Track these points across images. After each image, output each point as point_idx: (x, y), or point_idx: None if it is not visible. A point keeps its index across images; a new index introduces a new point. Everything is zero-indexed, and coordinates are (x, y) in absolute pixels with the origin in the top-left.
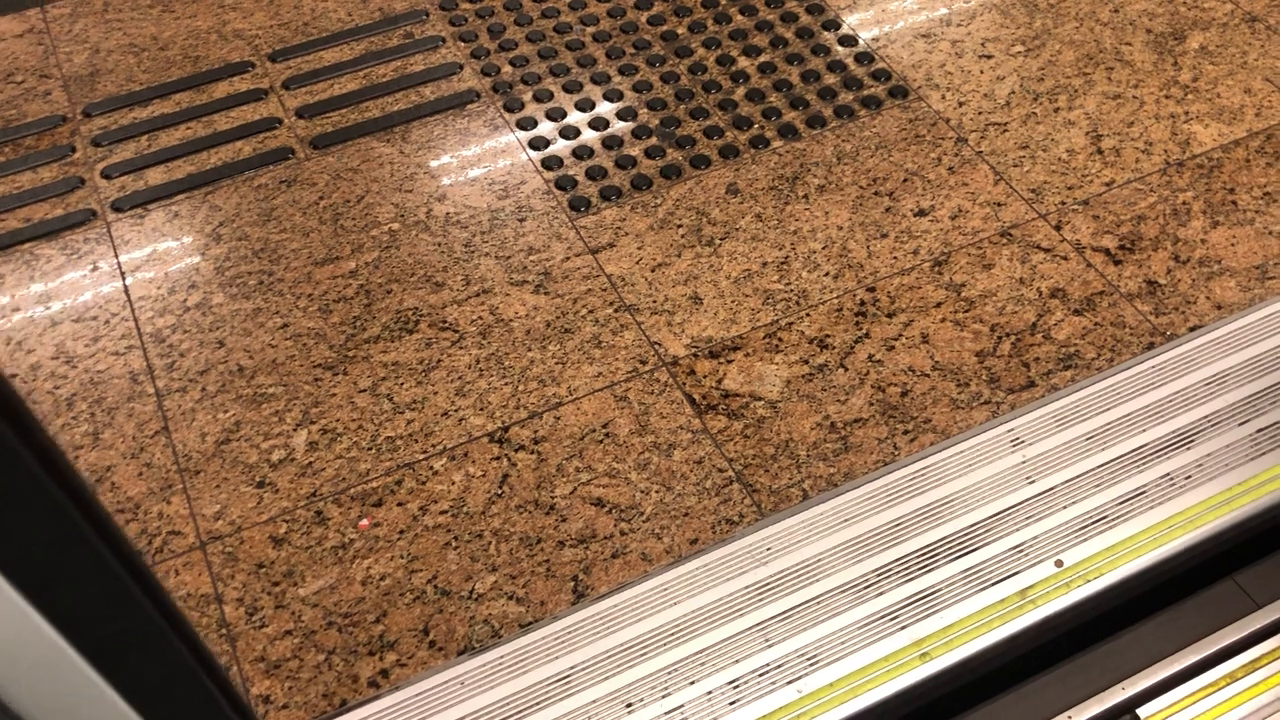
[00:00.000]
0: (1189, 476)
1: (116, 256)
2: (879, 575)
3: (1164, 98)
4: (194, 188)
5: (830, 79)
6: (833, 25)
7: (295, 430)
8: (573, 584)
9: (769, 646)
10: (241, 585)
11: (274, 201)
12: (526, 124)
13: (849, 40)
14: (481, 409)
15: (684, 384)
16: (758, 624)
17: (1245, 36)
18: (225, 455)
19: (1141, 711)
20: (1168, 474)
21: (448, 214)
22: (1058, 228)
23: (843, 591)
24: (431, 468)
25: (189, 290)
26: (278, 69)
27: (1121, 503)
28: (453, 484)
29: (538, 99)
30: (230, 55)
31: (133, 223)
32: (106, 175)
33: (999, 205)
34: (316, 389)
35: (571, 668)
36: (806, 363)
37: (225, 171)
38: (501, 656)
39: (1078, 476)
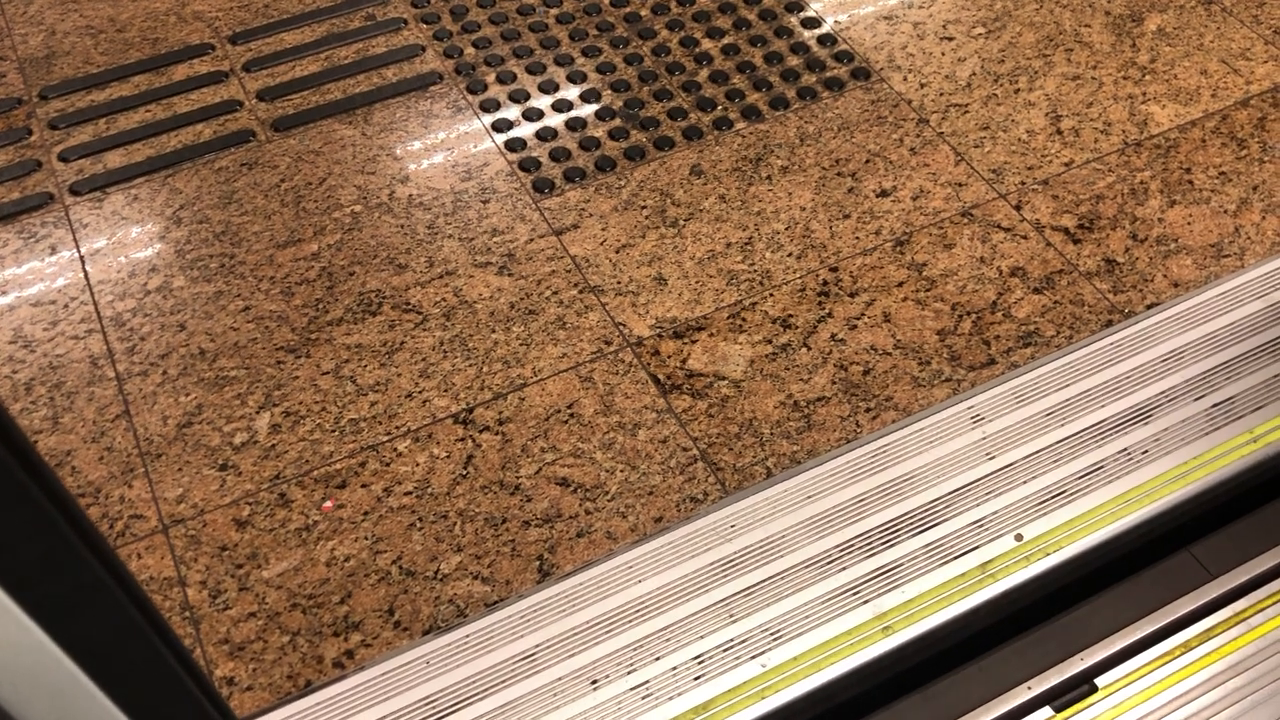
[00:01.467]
0: (1146, 451)
1: (75, 240)
2: (842, 551)
3: (1122, 79)
4: (154, 171)
5: (793, 61)
6: (796, 7)
7: (258, 413)
8: (538, 563)
9: (733, 622)
10: (204, 568)
11: (235, 184)
12: (490, 106)
13: (812, 22)
14: (445, 390)
15: (648, 364)
16: (722, 600)
17: (1202, 19)
18: (187, 439)
19: (1099, 681)
20: (1125, 449)
21: (410, 196)
22: (1018, 207)
23: (806, 567)
24: (395, 449)
25: (149, 274)
26: (238, 51)
27: (1080, 477)
28: (417, 465)
29: (501, 81)
30: (190, 37)
31: (91, 206)
32: (64, 158)
33: (960, 185)
34: (279, 372)
35: (536, 646)
36: (770, 342)
37: (185, 154)
38: (467, 636)
39: (1037, 452)
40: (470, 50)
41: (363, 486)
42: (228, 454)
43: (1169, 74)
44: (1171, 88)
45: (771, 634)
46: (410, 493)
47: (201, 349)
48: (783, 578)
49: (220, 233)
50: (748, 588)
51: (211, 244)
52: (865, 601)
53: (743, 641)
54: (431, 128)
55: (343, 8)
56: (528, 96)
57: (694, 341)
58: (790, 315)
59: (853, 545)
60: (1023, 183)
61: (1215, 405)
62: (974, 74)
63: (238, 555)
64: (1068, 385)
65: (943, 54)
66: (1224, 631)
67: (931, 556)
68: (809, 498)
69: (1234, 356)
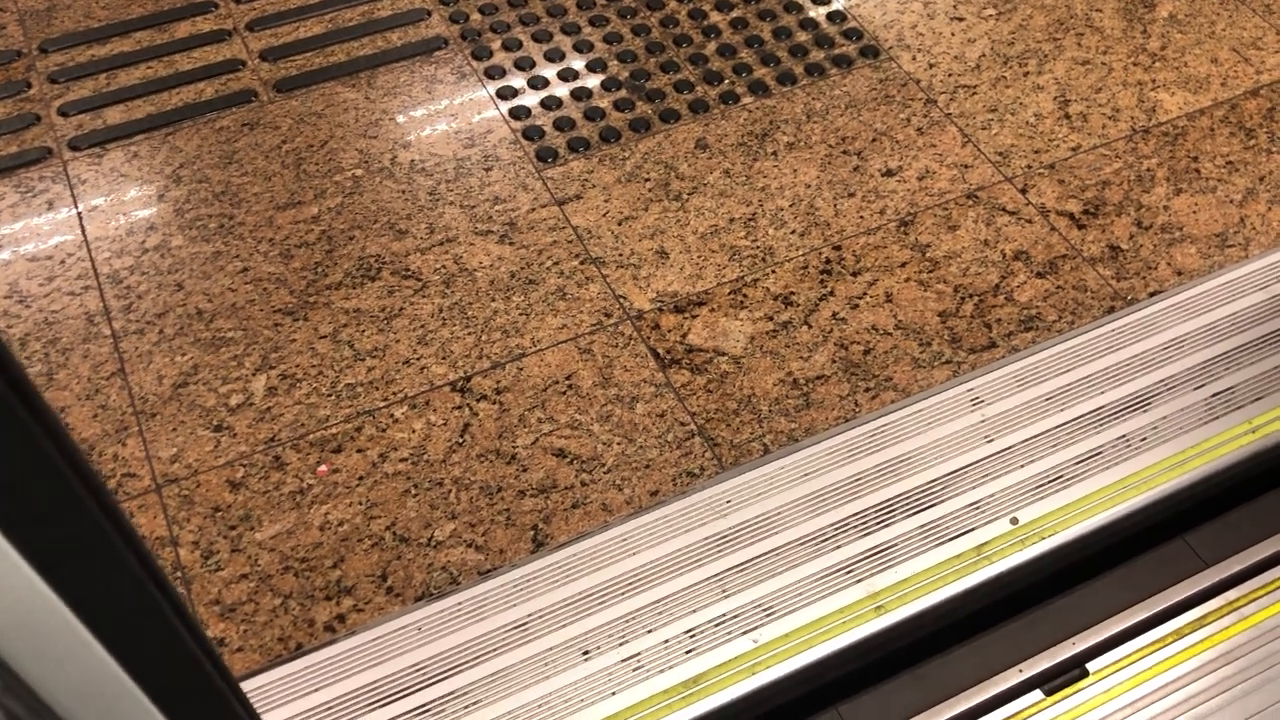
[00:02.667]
0: (1144, 439)
1: (73, 195)
2: (836, 529)
3: (1132, 65)
4: (154, 128)
5: (802, 36)
6: None
7: (254, 375)
8: (532, 533)
9: (726, 597)
10: (197, 529)
11: (236, 144)
12: (494, 73)
13: None
14: (444, 358)
15: (648, 338)
16: (715, 575)
17: (1214, 6)
18: (182, 399)
19: (1091, 665)
20: (1124, 435)
21: (412, 161)
22: (1023, 191)
23: (800, 544)
24: (392, 415)
25: (148, 232)
26: (242, 10)
27: (1078, 462)
28: (413, 432)
29: (507, 48)
30: None
31: (90, 162)
32: (63, 113)
33: (966, 167)
34: (276, 334)
35: (529, 615)
36: (771, 319)
37: (186, 113)
38: (459, 603)
39: (1036, 436)
40: (476, 16)
41: (358, 452)
42: (223, 415)
43: (1179, 61)
44: (1181, 75)
45: (764, 610)
46: (406, 459)
47: (199, 309)
48: (777, 554)
49: (220, 193)
50: (741, 563)
51: (211, 204)
52: (858, 580)
53: (735, 617)
54: (435, 93)
55: None
56: (533, 64)
57: (695, 316)
58: (792, 293)
59: (847, 524)
60: (1029, 166)
61: (1215, 395)
62: (983, 55)
63: (231, 517)
64: (1068, 370)
65: (952, 34)
66: (1216, 620)
67: (927, 537)
68: (805, 475)
69: (1235, 347)
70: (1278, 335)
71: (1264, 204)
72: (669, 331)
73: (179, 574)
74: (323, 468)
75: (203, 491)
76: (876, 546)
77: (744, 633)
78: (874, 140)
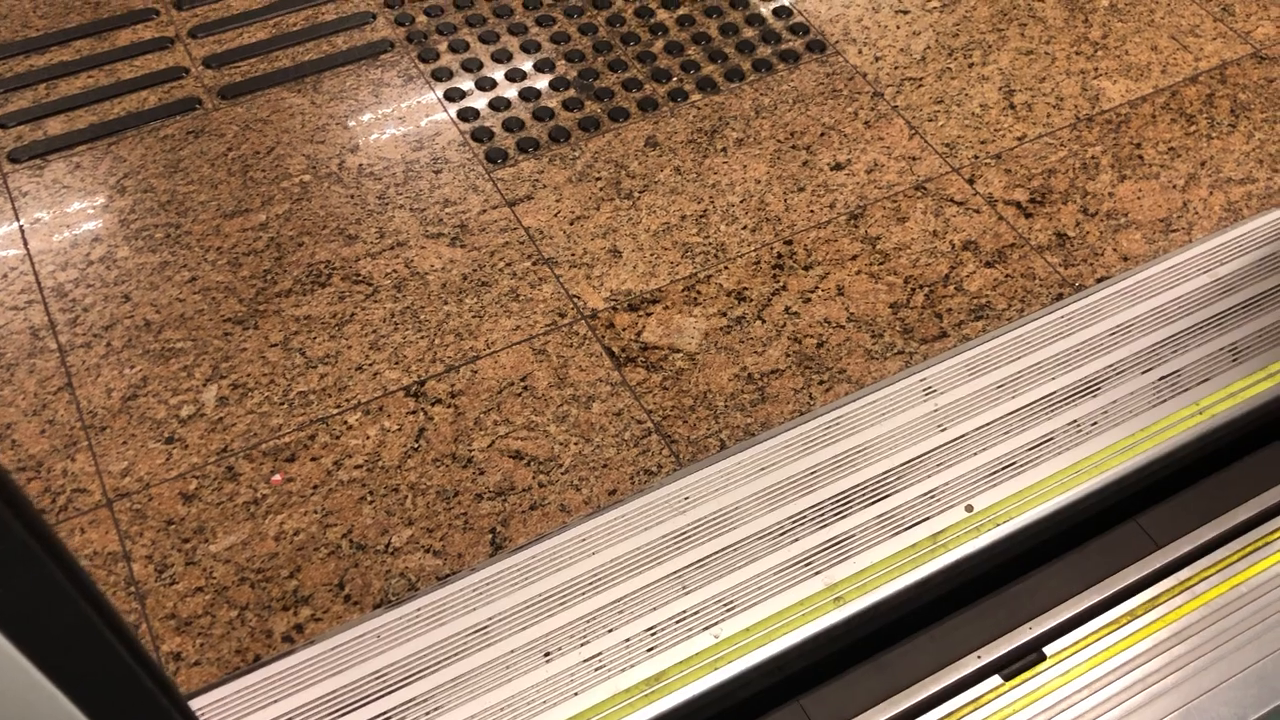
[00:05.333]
0: (1095, 423)
1: (14, 209)
2: (794, 522)
3: (1075, 54)
4: (96, 138)
5: (749, 32)
6: None
7: (205, 385)
8: (490, 536)
9: (686, 593)
10: (150, 542)
11: (181, 153)
12: (442, 75)
13: None
14: (397, 363)
15: (603, 337)
16: (675, 572)
17: None
18: (132, 411)
19: (1048, 649)
20: (1075, 421)
21: (361, 165)
22: (970, 181)
23: (759, 538)
24: (346, 422)
25: (92, 243)
26: (183, 17)
27: (1030, 449)
28: (367, 438)
29: (453, 50)
30: (133, 2)
31: (31, 174)
32: (2, 124)
33: (914, 159)
34: (226, 344)
35: (490, 619)
36: (725, 315)
37: (129, 122)
38: (419, 609)
39: (988, 424)
40: (422, 18)
41: (312, 460)
42: (174, 427)
43: (1120, 50)
44: (1123, 63)
45: (724, 605)
46: (361, 466)
47: (147, 320)
48: (736, 549)
49: (165, 202)
50: (701, 559)
51: (157, 213)
52: (817, 572)
53: (696, 613)
54: (382, 97)
55: None
56: (481, 66)
57: (649, 314)
58: (745, 288)
59: (805, 517)
60: (976, 157)
61: (1162, 378)
62: (929, 47)
63: (184, 529)
64: (1018, 358)
65: (898, 27)
66: (1169, 599)
67: (883, 527)
68: (762, 470)
69: (1181, 330)
70: (1222, 318)
71: (1206, 189)
72: (623, 330)
73: (133, 588)
74: (277, 477)
75: (155, 505)
76: (834, 538)
77: (705, 628)
78: (822, 134)
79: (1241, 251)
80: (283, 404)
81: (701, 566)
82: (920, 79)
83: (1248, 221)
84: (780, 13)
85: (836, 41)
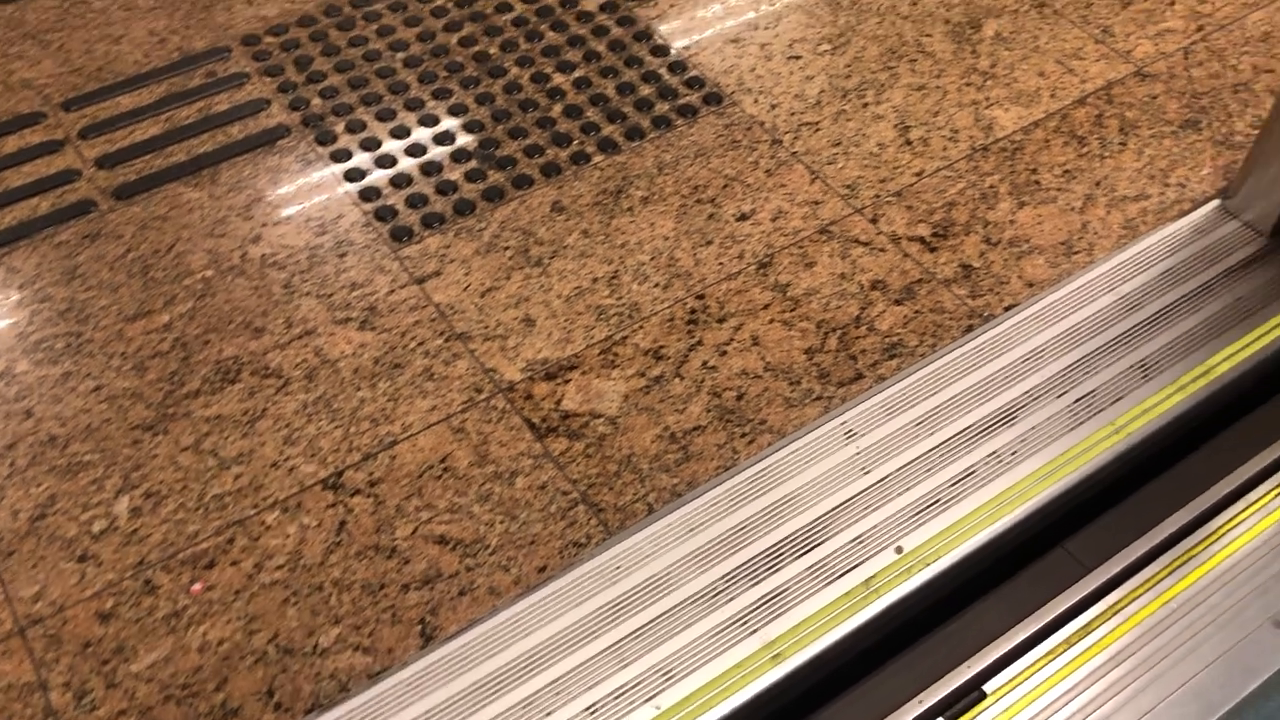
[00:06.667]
0: (1014, 452)
1: None
2: (727, 581)
3: (965, 85)
4: None
5: (646, 90)
6: (644, 36)
7: (116, 497)
8: (420, 627)
9: (624, 666)
10: (68, 668)
11: (77, 258)
12: (341, 156)
13: (661, 50)
14: (312, 455)
15: (522, 409)
16: (612, 645)
17: (1035, 21)
18: (41, 532)
19: (988, 687)
20: (994, 451)
21: (264, 256)
22: (874, 221)
23: (693, 602)
24: (264, 522)
25: None
26: (72, 118)
27: (954, 484)
28: (287, 537)
29: (351, 130)
30: (19, 106)
31: None
32: None
33: (817, 203)
34: (136, 451)
35: (424, 713)
36: (643, 375)
37: (21, 231)
38: (350, 711)
39: (910, 462)
40: (317, 101)
41: (232, 564)
42: (86, 544)
43: (1009, 77)
44: (1012, 91)
45: (663, 674)
46: (282, 566)
47: (51, 435)
48: (671, 615)
49: (64, 311)
50: (637, 629)
51: (56, 323)
52: (753, 631)
53: (635, 685)
54: (281, 183)
55: (181, 66)
56: (379, 144)
57: (567, 381)
58: (661, 346)
59: (738, 574)
60: (877, 196)
61: (1077, 400)
62: (823, 91)
63: (103, 650)
64: (935, 393)
65: (791, 73)
66: (1102, 624)
67: (816, 578)
68: (691, 530)
69: (1091, 351)
70: (1130, 335)
71: (1102, 208)
72: (542, 400)
73: (51, 719)
74: (196, 586)
75: (70, 628)
76: (768, 594)
77: (646, 700)
78: (725, 186)
79: (1143, 268)
80: (198, 509)
81: (638, 637)
82: (817, 123)
83: (1145, 237)
84: (675, 68)
85: (732, 92)
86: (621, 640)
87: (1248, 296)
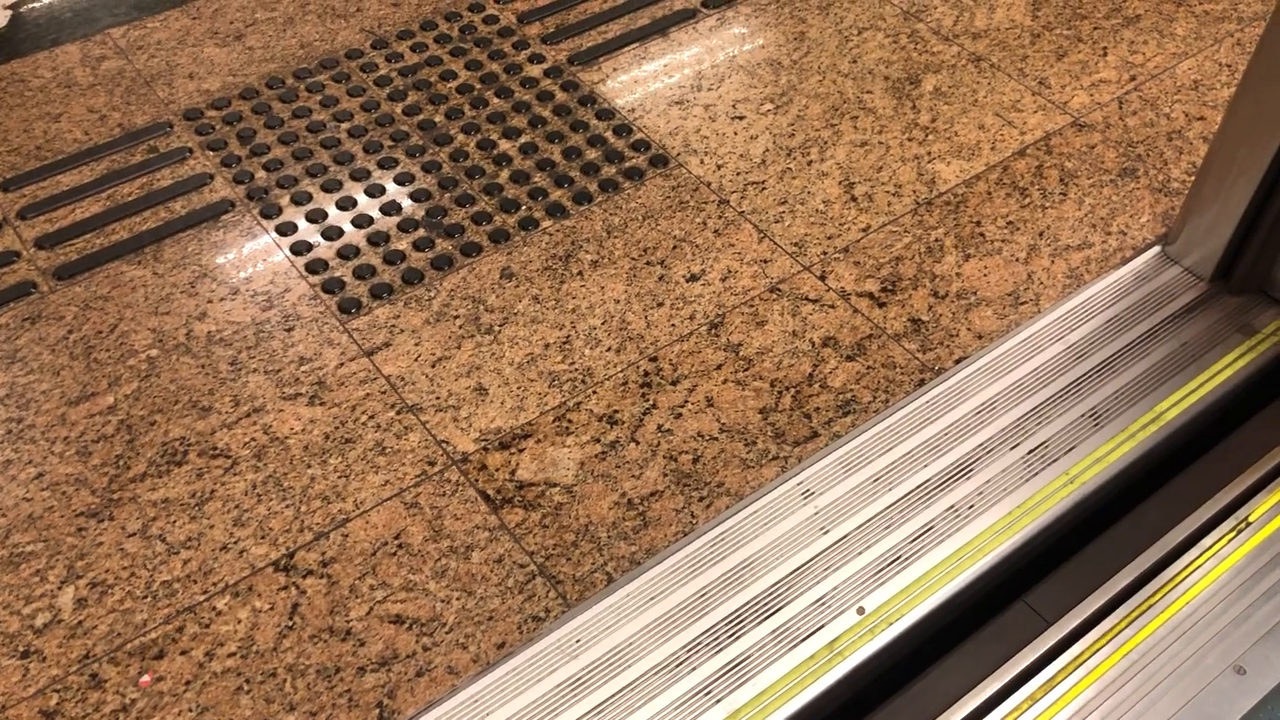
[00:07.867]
0: (972, 506)
1: None
2: (689, 650)
3: (907, 140)
4: None
5: (592, 154)
6: (589, 100)
7: (60, 588)
8: (378, 711)
9: None
10: None
11: (17, 342)
12: (286, 229)
13: (606, 114)
14: (263, 537)
15: (476, 480)
16: None
17: (973, 75)
18: None
19: None
20: (952, 506)
21: (209, 333)
22: (822, 277)
23: (655, 673)
24: (214, 608)
25: None
26: (10, 199)
27: (913, 540)
28: (239, 622)
29: (296, 202)
30: None
31: None
32: None
33: (765, 262)
34: (81, 540)
35: None
36: (598, 441)
37: None
38: None
39: (869, 520)
40: (261, 174)
41: (182, 654)
42: (29, 639)
43: (950, 132)
44: (954, 145)
45: None
46: (234, 654)
47: None
48: (633, 689)
49: (4, 396)
50: (598, 705)
51: None
52: (718, 701)
53: None
54: (226, 258)
55: (122, 142)
56: (325, 215)
57: (521, 450)
58: (615, 411)
59: (700, 643)
60: (825, 253)
61: (1031, 451)
62: (767, 150)
63: None
64: (890, 449)
65: (735, 134)
66: (1065, 678)
67: (779, 642)
68: (651, 600)
69: (1042, 401)
70: (1079, 383)
71: (1046, 258)
72: (497, 470)
73: None
74: (145, 678)
75: None
76: (731, 661)
77: None
78: (675, 247)
79: (1088, 316)
80: (146, 597)
81: (599, 712)
82: (763, 182)
83: (1090, 286)
84: (620, 131)
85: (678, 154)
86: (583, 717)
87: (1192, 341)
